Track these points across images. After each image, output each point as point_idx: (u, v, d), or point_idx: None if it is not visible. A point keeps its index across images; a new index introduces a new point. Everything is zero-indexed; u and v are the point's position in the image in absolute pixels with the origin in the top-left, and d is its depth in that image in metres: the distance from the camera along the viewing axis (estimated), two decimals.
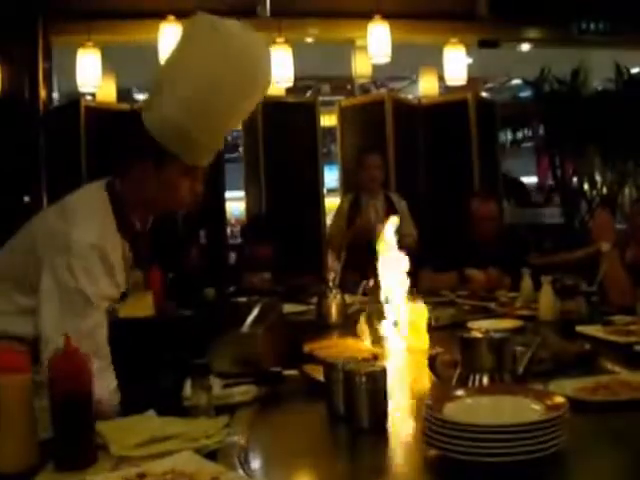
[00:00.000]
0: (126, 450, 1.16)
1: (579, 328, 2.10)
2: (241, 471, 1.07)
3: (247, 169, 5.71)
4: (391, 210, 4.31)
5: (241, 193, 5.82)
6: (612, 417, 1.28)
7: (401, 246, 4.21)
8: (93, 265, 1.51)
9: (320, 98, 5.89)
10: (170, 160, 1.59)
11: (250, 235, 4.00)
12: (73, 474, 1.10)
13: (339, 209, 4.43)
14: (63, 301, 1.48)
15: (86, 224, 1.54)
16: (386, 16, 5.41)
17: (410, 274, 2.09)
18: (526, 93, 10.39)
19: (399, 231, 4.23)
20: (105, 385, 1.46)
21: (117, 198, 1.62)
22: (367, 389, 1.24)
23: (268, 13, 5.41)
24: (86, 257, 1.50)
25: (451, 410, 1.13)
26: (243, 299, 2.49)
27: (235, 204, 7.93)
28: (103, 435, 1.21)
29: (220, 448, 1.17)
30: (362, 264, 3.56)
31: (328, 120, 6.30)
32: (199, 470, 1.04)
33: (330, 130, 6.85)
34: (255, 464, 1.14)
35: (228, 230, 6.16)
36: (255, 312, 1.88)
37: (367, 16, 5.43)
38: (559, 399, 1.12)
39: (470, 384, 1.26)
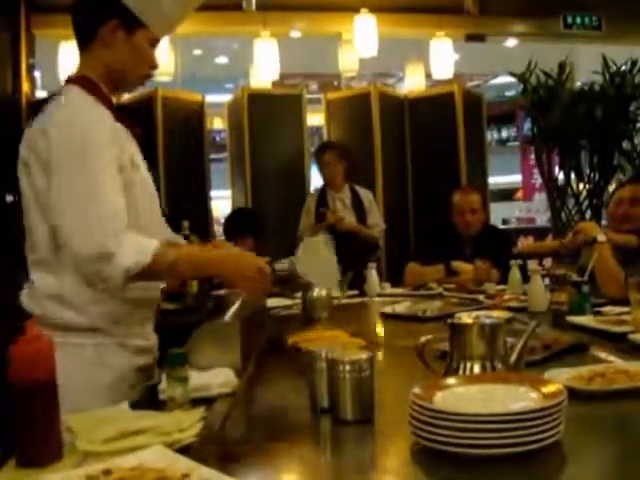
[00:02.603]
0: (93, 445, 1.08)
1: (571, 318, 2.06)
2: (215, 467, 0.99)
3: (232, 165, 5.63)
4: (357, 202, 4.32)
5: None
6: (609, 406, 1.22)
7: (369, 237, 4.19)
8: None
9: (307, 96, 5.81)
10: (140, 28, 1.64)
11: (229, 229, 3.92)
12: (34, 471, 1.02)
13: (306, 208, 4.44)
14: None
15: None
16: (373, 9, 5.39)
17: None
18: (511, 92, 10.39)
19: (366, 223, 4.30)
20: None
21: (91, 81, 1.65)
22: (352, 378, 1.17)
23: (253, 7, 5.35)
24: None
25: (441, 399, 1.06)
26: (226, 291, 2.41)
27: (226, 203, 7.92)
28: (73, 429, 1.13)
29: (194, 443, 1.09)
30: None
31: (316, 120, 6.24)
32: (169, 466, 0.96)
33: (318, 129, 6.80)
34: (231, 459, 1.06)
35: (217, 229, 6.07)
36: (237, 304, 1.81)
37: (353, 9, 5.41)
38: (556, 387, 1.05)
39: (461, 373, 1.19)
